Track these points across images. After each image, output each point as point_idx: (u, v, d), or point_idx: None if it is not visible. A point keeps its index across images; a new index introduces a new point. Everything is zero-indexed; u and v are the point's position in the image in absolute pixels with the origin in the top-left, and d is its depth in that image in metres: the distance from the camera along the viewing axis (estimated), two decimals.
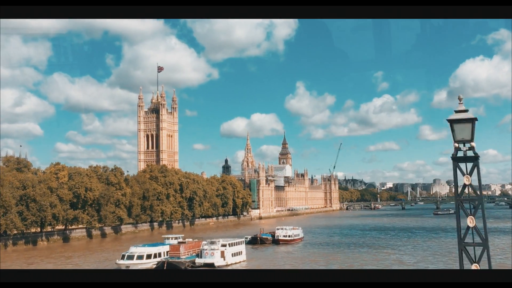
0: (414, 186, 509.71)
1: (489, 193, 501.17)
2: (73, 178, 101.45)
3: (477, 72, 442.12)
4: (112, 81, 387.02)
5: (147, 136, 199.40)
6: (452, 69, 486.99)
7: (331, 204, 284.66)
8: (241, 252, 63.10)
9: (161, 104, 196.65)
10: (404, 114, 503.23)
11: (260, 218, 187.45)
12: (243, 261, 62.55)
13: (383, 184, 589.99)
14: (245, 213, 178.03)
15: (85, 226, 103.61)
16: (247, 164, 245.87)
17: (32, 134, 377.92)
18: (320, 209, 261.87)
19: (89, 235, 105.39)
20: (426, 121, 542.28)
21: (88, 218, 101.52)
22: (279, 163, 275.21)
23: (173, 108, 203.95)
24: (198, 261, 57.52)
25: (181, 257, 57.62)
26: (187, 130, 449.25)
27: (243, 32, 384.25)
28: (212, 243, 59.62)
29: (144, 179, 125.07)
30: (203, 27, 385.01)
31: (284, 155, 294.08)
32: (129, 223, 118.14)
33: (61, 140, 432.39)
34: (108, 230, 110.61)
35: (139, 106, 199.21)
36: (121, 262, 55.79)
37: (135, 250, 57.78)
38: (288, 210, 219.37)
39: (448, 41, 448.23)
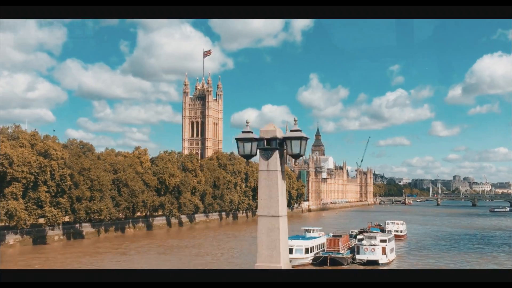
0: (434, 182, 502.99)
1: (509, 191, 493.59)
2: (156, 163, 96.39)
3: (493, 68, 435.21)
4: (125, 68, 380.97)
5: (192, 123, 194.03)
6: (469, 64, 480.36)
7: (366, 198, 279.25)
8: (393, 248, 57.97)
9: (208, 91, 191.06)
10: (417, 109, 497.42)
11: (309, 210, 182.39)
12: (396, 258, 57.41)
13: (399, 180, 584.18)
14: (296, 205, 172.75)
15: (164, 213, 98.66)
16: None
17: (44, 119, 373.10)
18: (357, 203, 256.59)
19: (168, 223, 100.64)
20: (439, 117, 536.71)
21: (169, 206, 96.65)
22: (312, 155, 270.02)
23: (218, 95, 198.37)
24: (359, 257, 52.26)
25: (340, 251, 52.47)
26: None
27: (261, 22, 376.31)
28: (371, 238, 54.38)
29: (214, 167, 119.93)
30: None
31: (317, 147, 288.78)
32: (200, 212, 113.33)
33: (72, 126, 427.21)
34: (184, 218, 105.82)
35: (185, 92, 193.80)
36: None
37: (291, 243, 52.43)
38: (331, 203, 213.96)
39: (468, 35, 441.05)
